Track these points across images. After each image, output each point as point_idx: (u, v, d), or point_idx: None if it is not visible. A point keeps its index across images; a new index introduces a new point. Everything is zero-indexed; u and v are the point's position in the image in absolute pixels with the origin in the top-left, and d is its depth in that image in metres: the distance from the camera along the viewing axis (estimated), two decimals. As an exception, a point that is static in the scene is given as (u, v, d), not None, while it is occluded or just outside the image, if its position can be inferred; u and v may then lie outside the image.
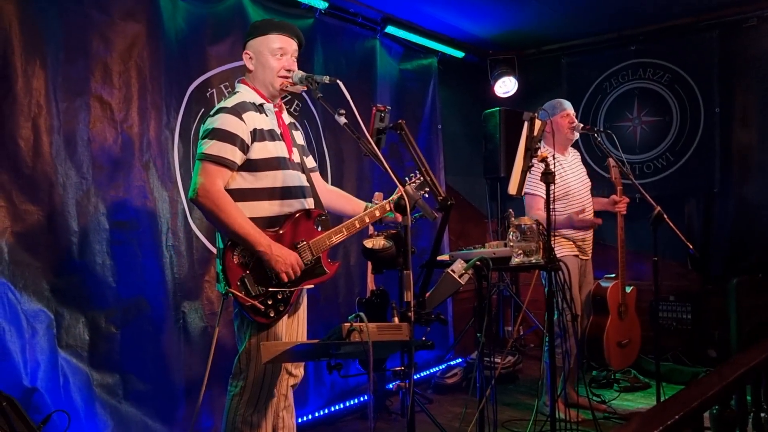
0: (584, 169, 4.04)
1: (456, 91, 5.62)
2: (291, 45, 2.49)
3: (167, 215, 3.19)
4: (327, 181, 4.09)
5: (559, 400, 3.46)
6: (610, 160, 3.94)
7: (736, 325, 4.20)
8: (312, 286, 2.50)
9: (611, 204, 3.99)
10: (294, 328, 2.58)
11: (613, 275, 4.03)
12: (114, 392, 2.94)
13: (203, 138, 2.35)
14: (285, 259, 2.30)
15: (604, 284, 3.98)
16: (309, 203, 2.51)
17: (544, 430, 3.37)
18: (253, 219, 2.33)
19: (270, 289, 2.33)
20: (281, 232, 2.38)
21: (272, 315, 2.34)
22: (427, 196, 2.32)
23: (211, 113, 2.39)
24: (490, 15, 4.79)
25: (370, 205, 2.67)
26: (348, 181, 4.26)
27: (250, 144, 2.35)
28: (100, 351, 2.91)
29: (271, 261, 2.29)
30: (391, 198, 2.55)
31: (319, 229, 2.50)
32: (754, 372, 2.02)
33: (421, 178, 2.36)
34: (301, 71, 2.45)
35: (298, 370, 2.63)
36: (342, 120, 2.18)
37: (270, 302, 2.33)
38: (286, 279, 2.33)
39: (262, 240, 2.28)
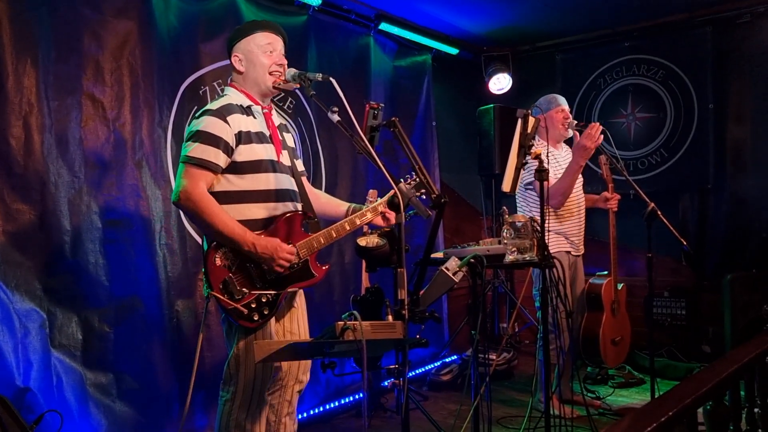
0: None
1: (450, 88, 5.61)
2: (278, 42, 2.48)
3: (160, 214, 3.18)
4: (322, 179, 4.10)
5: (553, 397, 3.46)
6: (602, 157, 3.94)
7: (730, 321, 4.21)
8: (297, 289, 2.47)
9: (603, 201, 4.00)
10: (292, 330, 2.54)
11: (606, 272, 4.04)
12: (107, 391, 2.92)
13: (187, 140, 2.34)
14: (272, 253, 2.26)
15: (597, 281, 3.98)
16: (297, 207, 2.48)
17: (539, 426, 3.38)
18: (238, 222, 2.30)
19: (253, 292, 2.29)
20: (266, 234, 2.35)
21: (256, 318, 2.30)
22: (424, 197, 2.29)
23: (196, 115, 2.38)
24: (484, 11, 4.78)
25: (355, 206, 2.65)
26: (343, 179, 4.25)
27: (234, 147, 2.33)
28: (94, 350, 2.89)
29: (259, 258, 2.27)
30: (383, 200, 2.53)
31: (308, 232, 2.46)
32: (748, 368, 2.03)
33: (418, 179, 2.34)
34: (293, 68, 2.44)
35: (305, 376, 2.60)
36: (335, 117, 2.16)
37: (254, 305, 2.29)
38: (281, 271, 2.30)
39: (246, 238, 2.25)
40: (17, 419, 2.31)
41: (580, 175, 3.99)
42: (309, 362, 2.62)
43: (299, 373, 2.56)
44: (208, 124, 2.31)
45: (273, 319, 2.42)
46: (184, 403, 3.17)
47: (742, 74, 4.77)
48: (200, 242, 3.30)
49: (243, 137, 2.35)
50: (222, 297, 2.25)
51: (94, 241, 2.93)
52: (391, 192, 2.02)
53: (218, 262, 2.28)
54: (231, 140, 2.32)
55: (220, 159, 2.30)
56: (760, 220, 4.67)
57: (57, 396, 2.75)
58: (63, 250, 2.83)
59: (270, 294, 2.32)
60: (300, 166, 2.68)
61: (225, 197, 2.34)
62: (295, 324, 2.56)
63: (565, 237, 3.80)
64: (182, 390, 3.18)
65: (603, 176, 3.99)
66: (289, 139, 2.64)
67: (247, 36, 2.45)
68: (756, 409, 2.14)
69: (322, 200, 2.74)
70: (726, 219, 4.83)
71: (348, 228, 2.47)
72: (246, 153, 2.36)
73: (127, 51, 3.09)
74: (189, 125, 2.39)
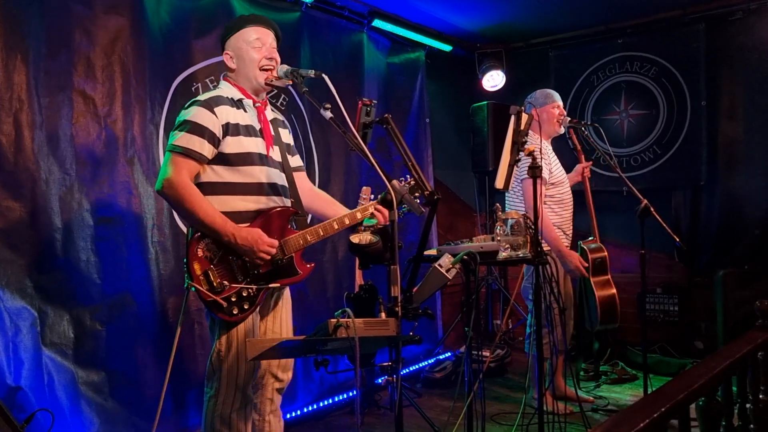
0: None
1: (444, 85, 5.60)
2: (268, 35, 2.47)
3: (152, 211, 3.16)
4: (315, 176, 4.09)
5: (547, 393, 3.47)
6: (571, 131, 3.96)
7: (722, 317, 4.23)
8: (278, 285, 2.45)
9: (580, 173, 4.02)
10: (275, 330, 2.53)
11: (591, 238, 4.03)
12: (100, 390, 2.91)
13: (174, 129, 2.34)
14: (251, 244, 2.25)
15: (597, 245, 3.94)
16: (286, 202, 2.47)
17: (533, 423, 3.38)
18: (224, 214, 2.29)
19: (234, 286, 2.28)
20: (251, 226, 2.33)
21: (236, 312, 2.28)
22: (422, 199, 2.28)
23: (185, 106, 2.39)
24: (477, 8, 4.78)
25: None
26: (336, 176, 4.24)
27: (221, 138, 2.33)
28: (85, 348, 2.88)
29: (239, 249, 2.25)
30: (374, 202, 2.52)
31: (295, 228, 2.45)
32: (740, 363, 2.03)
33: (413, 180, 2.32)
34: (286, 65, 2.43)
35: (286, 375, 2.58)
36: (328, 114, 2.15)
37: (234, 299, 2.28)
38: (261, 263, 2.29)
39: (226, 228, 2.24)
40: (8, 418, 2.29)
41: (562, 170, 3.96)
42: (290, 361, 2.61)
43: (278, 371, 2.54)
44: (196, 114, 2.31)
45: (257, 316, 2.41)
46: (177, 401, 3.17)
47: (734, 71, 4.79)
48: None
49: (231, 129, 2.35)
50: (201, 288, 2.24)
51: (85, 238, 2.91)
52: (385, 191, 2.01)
53: (200, 253, 2.26)
54: (217, 131, 2.32)
55: (205, 149, 2.30)
56: (753, 216, 4.69)
57: (48, 394, 2.74)
58: (54, 247, 2.81)
59: (251, 289, 2.31)
60: (297, 161, 2.66)
61: (212, 188, 2.33)
62: (278, 323, 2.55)
63: (562, 231, 3.80)
64: (175, 388, 3.17)
65: (576, 147, 4.05)
66: (285, 135, 2.62)
67: (236, 32, 2.45)
68: (748, 405, 2.15)
69: (325, 200, 2.71)
70: (718, 216, 4.85)
71: (336, 227, 2.45)
72: (233, 145, 2.35)
73: (118, 47, 3.07)
74: (178, 115, 2.39)
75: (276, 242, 2.32)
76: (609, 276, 3.93)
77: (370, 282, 2.15)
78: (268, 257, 2.29)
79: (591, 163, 4.04)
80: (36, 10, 2.79)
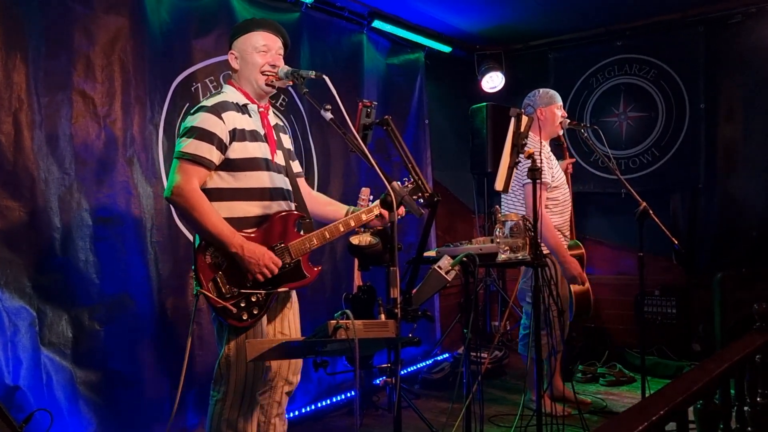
0: None
1: (443, 86, 5.61)
2: (275, 42, 2.47)
3: (152, 211, 3.16)
4: (314, 177, 4.09)
5: (545, 395, 3.47)
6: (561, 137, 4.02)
7: (720, 320, 4.24)
8: (287, 289, 2.45)
9: (563, 170, 4.04)
10: (283, 332, 2.53)
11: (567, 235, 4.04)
12: (98, 390, 2.90)
13: (181, 136, 2.34)
14: (258, 259, 2.25)
15: (574, 242, 3.96)
16: (291, 206, 2.48)
17: (531, 424, 3.39)
18: (231, 219, 2.29)
19: (242, 291, 2.28)
20: (258, 232, 2.34)
21: (245, 318, 2.28)
22: (422, 201, 2.29)
23: (192, 111, 2.38)
24: (477, 10, 4.78)
25: (352, 208, 2.63)
26: (335, 177, 4.24)
27: (228, 143, 2.32)
28: (84, 348, 2.87)
29: (244, 262, 2.25)
30: (377, 202, 2.52)
31: (301, 232, 2.45)
32: (738, 366, 2.04)
33: (415, 183, 2.33)
34: (286, 66, 2.44)
35: (296, 377, 2.59)
36: (328, 115, 2.15)
37: (243, 305, 2.28)
38: (262, 279, 2.28)
39: (234, 240, 2.24)
40: (6, 418, 2.29)
41: (562, 172, 3.97)
42: (300, 363, 2.61)
43: (289, 374, 2.55)
44: (203, 120, 2.30)
45: (265, 320, 2.42)
46: (175, 401, 3.16)
47: (733, 74, 4.79)
48: (191, 240, 3.29)
49: (237, 134, 2.35)
50: (211, 295, 2.24)
51: (84, 238, 2.91)
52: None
53: (209, 259, 2.27)
54: (225, 137, 2.31)
55: (214, 155, 2.30)
56: (751, 219, 4.70)
57: (47, 394, 2.74)
58: (53, 247, 2.81)
59: (260, 294, 2.31)
60: (297, 167, 2.67)
61: (218, 194, 2.33)
62: (286, 325, 2.55)
63: (561, 233, 3.79)
64: (173, 388, 3.17)
65: (562, 143, 4.10)
66: (286, 140, 2.63)
67: (245, 34, 2.45)
68: (746, 408, 2.16)
69: (322, 202, 2.73)
70: (716, 218, 4.86)
71: (342, 229, 2.46)
72: (239, 150, 2.35)
73: (118, 47, 3.06)
74: (184, 121, 2.39)
75: (280, 262, 2.32)
76: (583, 272, 3.96)
77: (368, 283, 2.15)
78: (270, 275, 2.29)
79: (574, 160, 4.12)
80: (36, 9, 2.78)
